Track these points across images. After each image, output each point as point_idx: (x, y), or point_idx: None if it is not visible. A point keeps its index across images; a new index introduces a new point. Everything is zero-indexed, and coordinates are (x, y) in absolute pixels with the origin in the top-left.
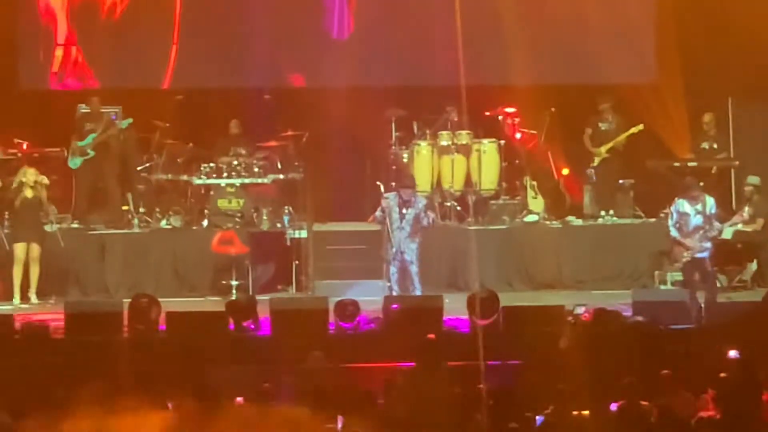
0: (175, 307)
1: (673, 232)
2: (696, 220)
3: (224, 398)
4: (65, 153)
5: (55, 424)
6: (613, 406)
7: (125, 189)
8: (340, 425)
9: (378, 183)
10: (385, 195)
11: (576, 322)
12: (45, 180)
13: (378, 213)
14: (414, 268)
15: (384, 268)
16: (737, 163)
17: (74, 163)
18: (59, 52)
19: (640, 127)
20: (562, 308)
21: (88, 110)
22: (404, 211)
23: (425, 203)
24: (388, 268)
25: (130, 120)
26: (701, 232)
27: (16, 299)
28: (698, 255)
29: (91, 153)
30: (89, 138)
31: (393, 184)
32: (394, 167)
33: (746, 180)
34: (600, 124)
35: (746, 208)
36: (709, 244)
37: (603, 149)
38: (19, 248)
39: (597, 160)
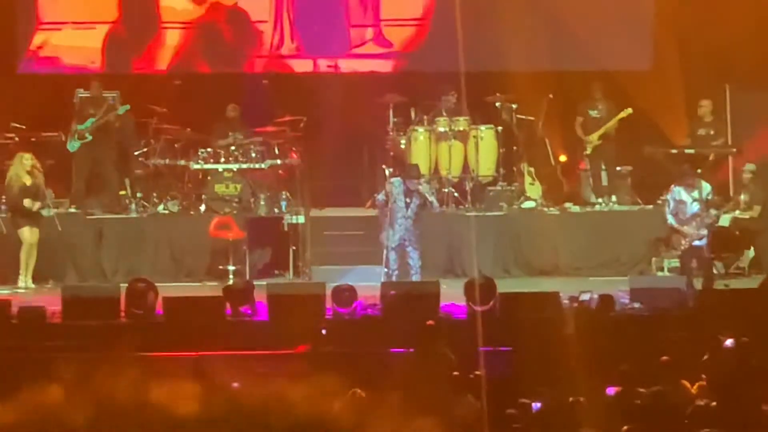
0: (172, 292)
1: (671, 220)
2: (693, 207)
3: (221, 383)
4: (62, 137)
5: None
6: (610, 391)
7: (123, 174)
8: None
9: (383, 167)
10: (391, 180)
11: (578, 309)
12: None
13: (380, 197)
14: (416, 254)
15: (383, 254)
16: (734, 150)
17: (73, 146)
18: (42, 36)
19: (629, 110)
20: (558, 295)
21: (88, 94)
22: (408, 200)
23: (429, 189)
24: (388, 254)
25: (128, 107)
26: (698, 219)
27: (23, 281)
28: (696, 243)
29: (89, 137)
30: (89, 122)
31: (391, 170)
32: (391, 153)
33: (744, 167)
34: (590, 112)
35: (742, 195)
36: (706, 232)
37: (595, 136)
38: (26, 232)
39: (590, 148)
